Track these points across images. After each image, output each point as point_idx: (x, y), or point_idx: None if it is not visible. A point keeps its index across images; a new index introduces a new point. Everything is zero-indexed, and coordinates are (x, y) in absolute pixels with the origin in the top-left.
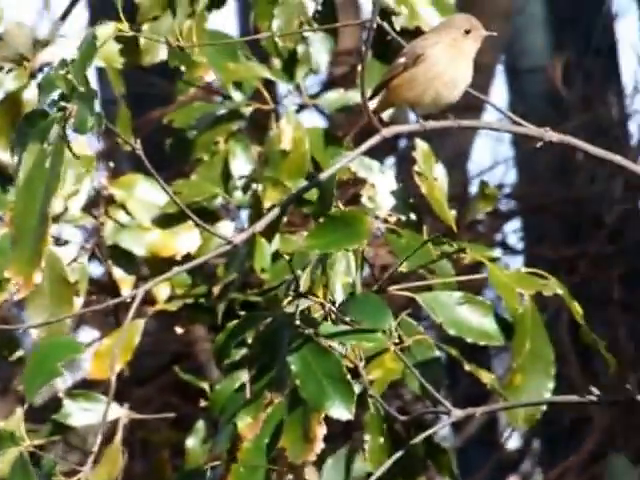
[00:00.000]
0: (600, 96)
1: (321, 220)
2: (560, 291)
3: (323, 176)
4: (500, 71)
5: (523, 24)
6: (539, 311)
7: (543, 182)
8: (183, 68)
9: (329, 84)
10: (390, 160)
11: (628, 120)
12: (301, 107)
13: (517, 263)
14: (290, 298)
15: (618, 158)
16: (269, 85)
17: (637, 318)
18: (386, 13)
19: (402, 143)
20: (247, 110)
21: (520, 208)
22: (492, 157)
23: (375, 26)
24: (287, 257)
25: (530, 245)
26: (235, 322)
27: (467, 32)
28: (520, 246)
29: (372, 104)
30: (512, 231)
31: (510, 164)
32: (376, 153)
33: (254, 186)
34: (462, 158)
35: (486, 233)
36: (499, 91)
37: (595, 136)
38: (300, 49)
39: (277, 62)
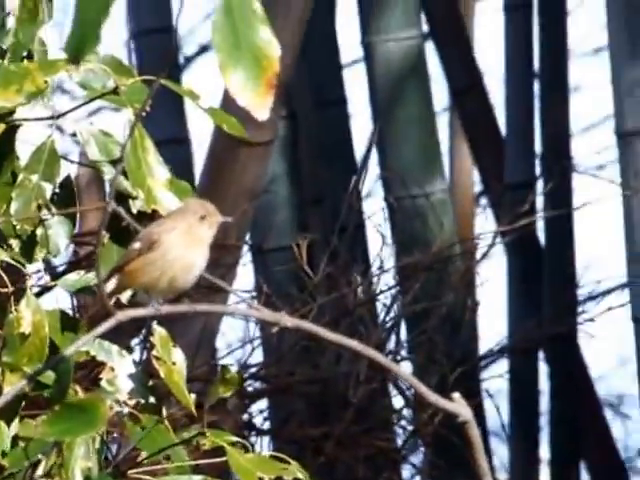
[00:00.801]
0: (345, 275)
1: (57, 407)
2: (301, 475)
3: (57, 359)
4: (246, 250)
5: (268, 203)
6: None
7: (289, 362)
8: None
9: (75, 264)
10: (136, 340)
11: (374, 299)
12: (44, 288)
13: (265, 444)
14: None
15: (353, 343)
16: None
17: None
18: (123, 196)
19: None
20: None
21: (266, 388)
22: (243, 335)
23: (110, 210)
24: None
25: (277, 425)
26: None
27: (202, 218)
28: (267, 426)
29: (109, 286)
30: (259, 411)
31: (256, 343)
32: (121, 334)
33: None
34: (210, 336)
35: (232, 413)
36: (246, 270)
37: (341, 316)
38: (39, 232)
39: (15, 244)
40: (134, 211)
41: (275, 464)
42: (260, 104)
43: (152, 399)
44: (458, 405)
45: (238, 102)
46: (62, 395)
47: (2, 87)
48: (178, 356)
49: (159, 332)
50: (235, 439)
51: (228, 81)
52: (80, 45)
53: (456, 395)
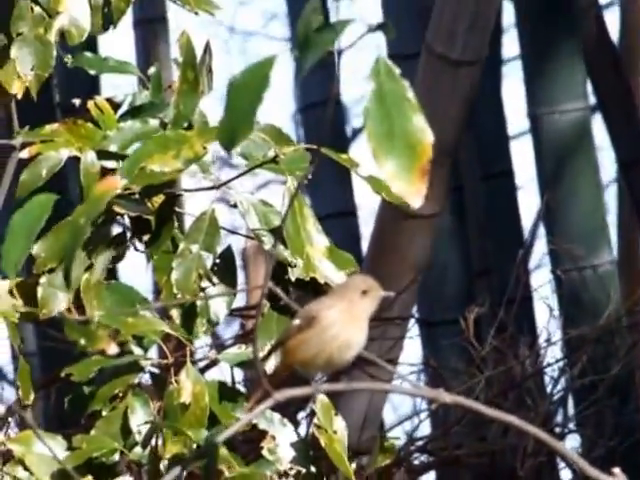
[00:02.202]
0: (512, 348)
1: None
2: None
3: (228, 432)
4: (414, 323)
5: (436, 275)
6: None
7: (456, 434)
8: (83, 341)
9: (241, 337)
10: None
11: (542, 372)
12: (210, 362)
13: None
14: None
15: (512, 419)
16: (172, 339)
17: None
18: (284, 265)
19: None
20: (146, 363)
21: (433, 461)
22: (411, 408)
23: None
24: None
25: None
26: None
27: (364, 293)
28: None
29: (270, 364)
30: None
31: (423, 416)
32: (288, 405)
33: (153, 441)
34: (376, 410)
35: None
36: (414, 343)
37: (509, 388)
38: (199, 303)
39: (176, 315)
40: (292, 279)
41: None
42: (414, 192)
43: (313, 469)
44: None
45: (392, 189)
46: (210, 474)
47: (160, 152)
48: (339, 425)
49: (321, 400)
50: None
51: (381, 169)
52: (232, 134)
53: (616, 470)
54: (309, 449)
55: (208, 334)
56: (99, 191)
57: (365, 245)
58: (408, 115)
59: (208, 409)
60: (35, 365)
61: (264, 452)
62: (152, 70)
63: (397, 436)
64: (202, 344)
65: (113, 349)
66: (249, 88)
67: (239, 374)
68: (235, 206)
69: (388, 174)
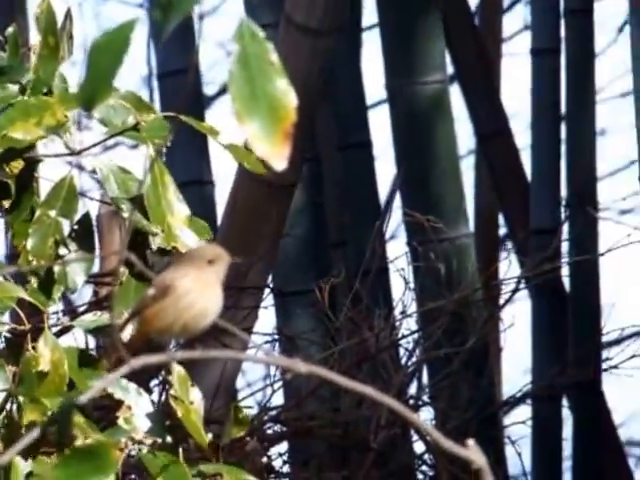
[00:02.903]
0: (367, 320)
1: (67, 452)
2: None
3: (82, 399)
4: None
5: (291, 246)
6: None
7: (309, 405)
8: None
9: (94, 304)
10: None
11: (396, 344)
12: (63, 328)
13: None
14: None
15: (368, 390)
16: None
17: None
18: (143, 233)
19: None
20: (1, 329)
21: (286, 431)
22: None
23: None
24: None
25: (296, 469)
26: None
27: (210, 262)
28: (286, 469)
29: (126, 333)
30: (278, 454)
31: (277, 386)
32: (141, 373)
33: (8, 407)
34: (230, 378)
35: (251, 455)
36: (268, 313)
37: (363, 360)
38: (56, 269)
39: (34, 281)
40: (154, 248)
41: None
42: (277, 154)
43: (169, 439)
44: (472, 452)
45: (256, 152)
46: (64, 438)
47: (22, 119)
48: (196, 396)
49: (177, 371)
50: (251, 478)
51: (244, 130)
52: (92, 95)
53: (470, 442)
54: (164, 419)
55: (60, 300)
56: None
57: (220, 214)
58: (272, 77)
59: (67, 377)
60: None
61: (120, 422)
62: (10, 30)
63: (250, 405)
64: (55, 310)
65: None
66: (110, 50)
67: (91, 342)
68: (93, 172)
69: (251, 136)
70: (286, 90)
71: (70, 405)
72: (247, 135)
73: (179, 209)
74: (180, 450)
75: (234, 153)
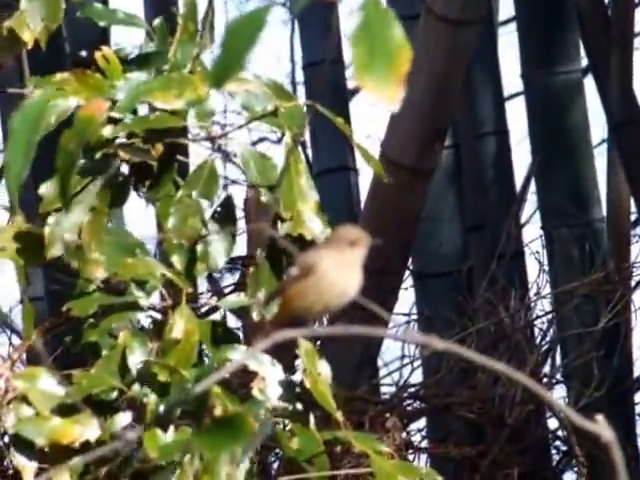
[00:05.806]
0: (504, 301)
1: (206, 421)
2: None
3: (218, 376)
4: (408, 275)
5: (431, 230)
6: None
7: (448, 383)
8: (76, 265)
9: (240, 285)
10: None
11: (531, 324)
12: (211, 308)
13: (422, 462)
14: None
15: (501, 367)
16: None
17: None
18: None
19: None
20: (146, 303)
21: (425, 408)
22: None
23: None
24: None
25: (434, 444)
26: None
27: (352, 243)
28: (424, 444)
29: (270, 311)
30: (417, 430)
31: (417, 364)
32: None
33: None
34: (371, 357)
35: (391, 431)
36: (408, 294)
37: (499, 340)
38: (199, 248)
39: (177, 261)
40: (282, 234)
41: (418, 469)
42: (391, 96)
43: (299, 405)
44: (600, 427)
45: (371, 99)
46: (201, 413)
47: (162, 90)
48: (323, 367)
49: (305, 345)
50: (381, 447)
51: (363, 83)
52: (225, 72)
53: (599, 417)
54: (295, 387)
55: (204, 279)
56: (84, 114)
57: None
58: (390, 35)
59: (197, 346)
60: (43, 309)
61: (254, 392)
62: (157, 22)
63: (389, 383)
64: (203, 291)
65: (101, 274)
66: (244, 30)
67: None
68: (231, 157)
69: (369, 87)
70: (402, 43)
71: (209, 380)
72: (365, 86)
73: (310, 196)
74: (311, 417)
75: (362, 152)
